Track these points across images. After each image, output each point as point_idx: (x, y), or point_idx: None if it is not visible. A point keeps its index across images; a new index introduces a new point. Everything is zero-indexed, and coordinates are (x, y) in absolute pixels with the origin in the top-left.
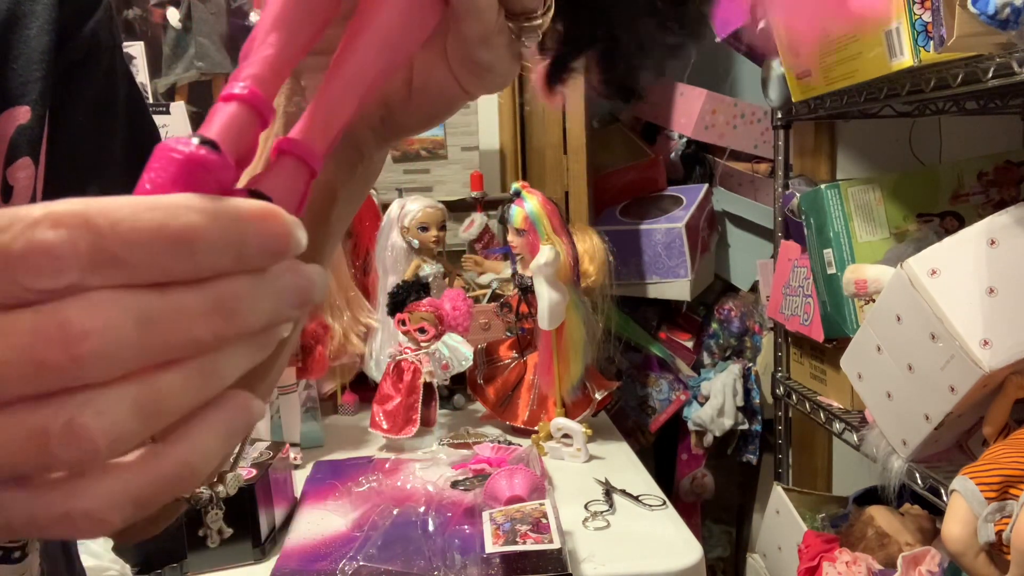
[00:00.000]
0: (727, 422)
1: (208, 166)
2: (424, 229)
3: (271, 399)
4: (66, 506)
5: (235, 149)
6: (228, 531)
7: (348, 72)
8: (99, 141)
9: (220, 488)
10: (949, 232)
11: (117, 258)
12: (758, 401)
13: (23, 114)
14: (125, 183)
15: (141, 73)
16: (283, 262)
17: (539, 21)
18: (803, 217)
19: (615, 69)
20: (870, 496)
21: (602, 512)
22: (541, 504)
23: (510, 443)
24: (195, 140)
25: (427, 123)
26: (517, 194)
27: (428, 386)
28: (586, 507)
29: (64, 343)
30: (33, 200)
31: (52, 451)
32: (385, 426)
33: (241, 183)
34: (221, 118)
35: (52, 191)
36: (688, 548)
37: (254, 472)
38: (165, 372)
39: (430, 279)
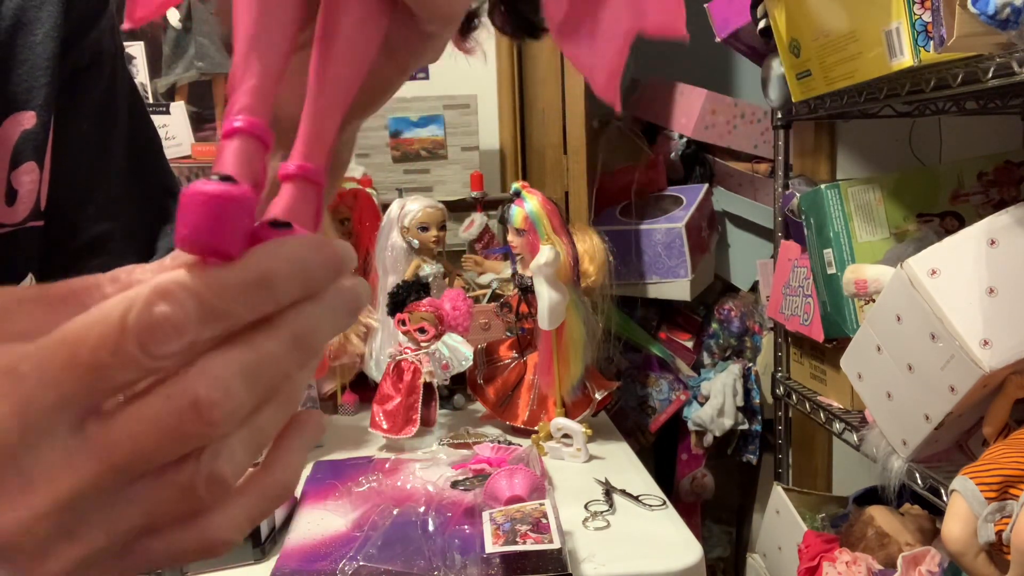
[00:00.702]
0: (727, 422)
1: (238, 200)
2: (424, 229)
3: None
4: (205, 537)
5: (250, 178)
6: (258, 526)
7: (328, 83)
8: (102, 146)
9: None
10: (949, 232)
11: (217, 310)
12: (758, 401)
13: (28, 119)
14: (126, 189)
15: (141, 73)
16: (339, 288)
17: None
18: (803, 217)
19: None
20: (870, 496)
21: (602, 512)
22: (541, 504)
23: (510, 443)
24: (215, 178)
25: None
26: (517, 194)
27: (428, 386)
28: (586, 507)
29: (198, 417)
30: (37, 205)
31: (197, 500)
32: (385, 426)
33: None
34: (230, 154)
35: (56, 195)
36: (688, 548)
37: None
38: (264, 410)
39: (430, 279)
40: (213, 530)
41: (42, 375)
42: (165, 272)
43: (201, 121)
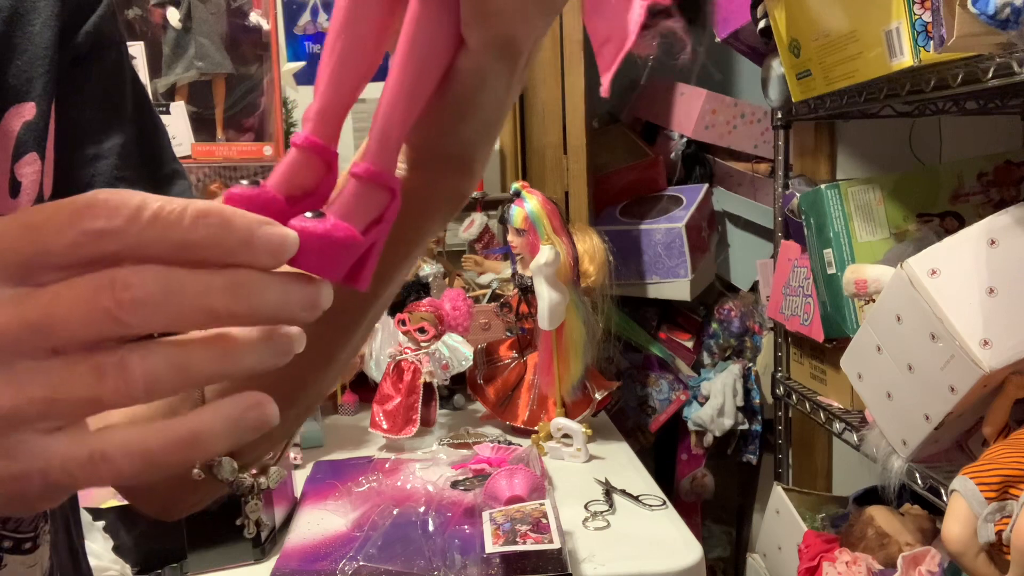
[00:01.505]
0: (727, 422)
1: (248, 198)
2: None
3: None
4: (92, 446)
5: (291, 186)
6: (267, 523)
7: (392, 92)
8: (104, 135)
9: (263, 479)
10: (949, 232)
11: (154, 220)
12: (758, 401)
13: (29, 110)
14: (129, 173)
15: (141, 73)
16: (297, 273)
17: None
18: (803, 217)
19: None
20: (870, 496)
21: (602, 512)
22: (541, 504)
23: (510, 443)
24: (243, 182)
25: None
26: (517, 194)
27: (428, 386)
28: (586, 507)
29: (112, 290)
30: (40, 195)
31: (105, 386)
32: (385, 426)
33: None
34: (282, 163)
35: (58, 185)
36: (688, 548)
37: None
38: (194, 343)
39: (430, 279)
40: (103, 442)
41: None
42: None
43: (201, 121)
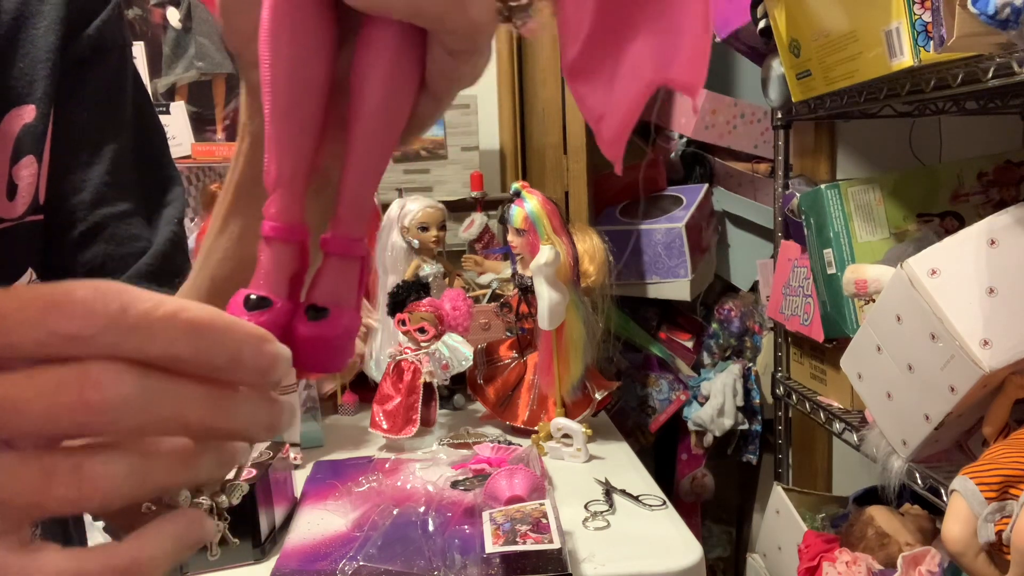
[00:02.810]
0: (727, 422)
1: (264, 325)
2: (424, 229)
3: None
4: (24, 568)
5: (287, 279)
6: (234, 541)
7: (362, 155)
8: (100, 136)
9: (222, 498)
10: (949, 232)
11: (135, 329)
12: (758, 401)
13: (28, 113)
14: (126, 177)
15: (141, 73)
16: (264, 391)
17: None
18: (803, 217)
19: None
20: (870, 496)
21: (602, 512)
22: (541, 504)
23: (510, 443)
24: (253, 298)
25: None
26: (517, 194)
27: (428, 386)
28: (586, 507)
29: (80, 389)
30: (36, 197)
31: (53, 491)
32: (385, 426)
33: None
34: (269, 263)
35: (52, 187)
36: (688, 548)
37: (254, 472)
38: (155, 454)
39: (430, 279)
40: (35, 568)
41: None
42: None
43: (201, 121)
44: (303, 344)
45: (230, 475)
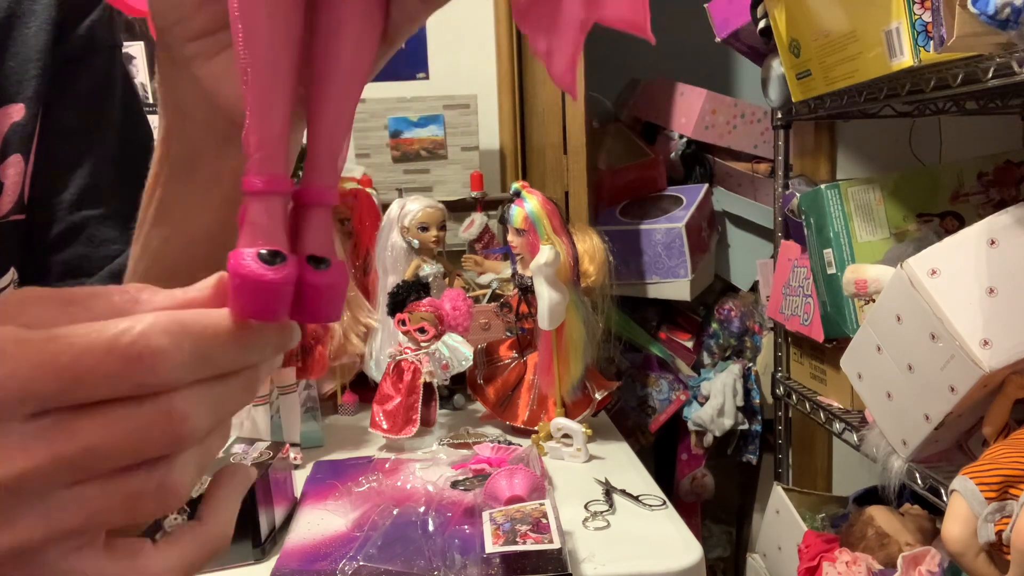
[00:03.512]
0: (727, 422)
1: (286, 284)
2: (424, 229)
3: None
4: (136, 573)
5: (285, 230)
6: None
7: (334, 106)
8: (85, 136)
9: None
10: (949, 232)
11: (209, 357)
12: (758, 401)
13: (17, 112)
14: (110, 178)
15: (141, 73)
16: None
17: None
18: (803, 217)
19: None
20: (870, 496)
21: (602, 512)
22: (541, 504)
23: (510, 443)
24: (264, 254)
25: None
26: (517, 194)
27: (428, 386)
28: (586, 507)
29: (169, 423)
30: (21, 196)
31: (141, 511)
32: (385, 426)
33: None
34: (267, 216)
35: (37, 184)
36: (688, 548)
37: (254, 472)
38: (211, 435)
39: (430, 279)
40: (145, 569)
41: (19, 362)
42: (173, 303)
43: None
44: (314, 294)
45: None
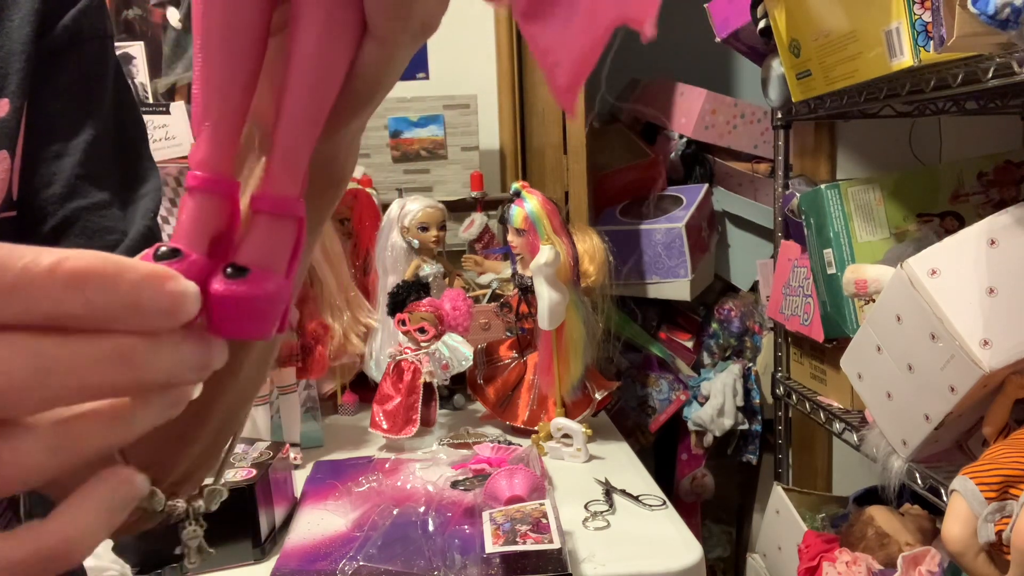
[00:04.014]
0: (727, 422)
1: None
2: (424, 229)
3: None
4: None
5: (208, 234)
6: (209, 551)
7: (294, 104)
8: (74, 131)
9: (199, 503)
10: (949, 232)
11: (15, 290)
12: (758, 401)
13: (2, 107)
14: (100, 169)
15: (141, 73)
16: (187, 329)
17: None
18: (803, 217)
19: None
20: (870, 496)
21: (602, 512)
22: (541, 504)
23: (510, 443)
24: (164, 250)
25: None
26: (517, 194)
27: (428, 386)
28: (586, 507)
29: None
30: (9, 193)
31: None
32: (385, 426)
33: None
34: (188, 215)
35: (25, 180)
36: (688, 548)
37: (254, 472)
38: (76, 419)
39: (430, 279)
40: None
41: None
42: None
43: None
44: (215, 303)
45: (209, 480)
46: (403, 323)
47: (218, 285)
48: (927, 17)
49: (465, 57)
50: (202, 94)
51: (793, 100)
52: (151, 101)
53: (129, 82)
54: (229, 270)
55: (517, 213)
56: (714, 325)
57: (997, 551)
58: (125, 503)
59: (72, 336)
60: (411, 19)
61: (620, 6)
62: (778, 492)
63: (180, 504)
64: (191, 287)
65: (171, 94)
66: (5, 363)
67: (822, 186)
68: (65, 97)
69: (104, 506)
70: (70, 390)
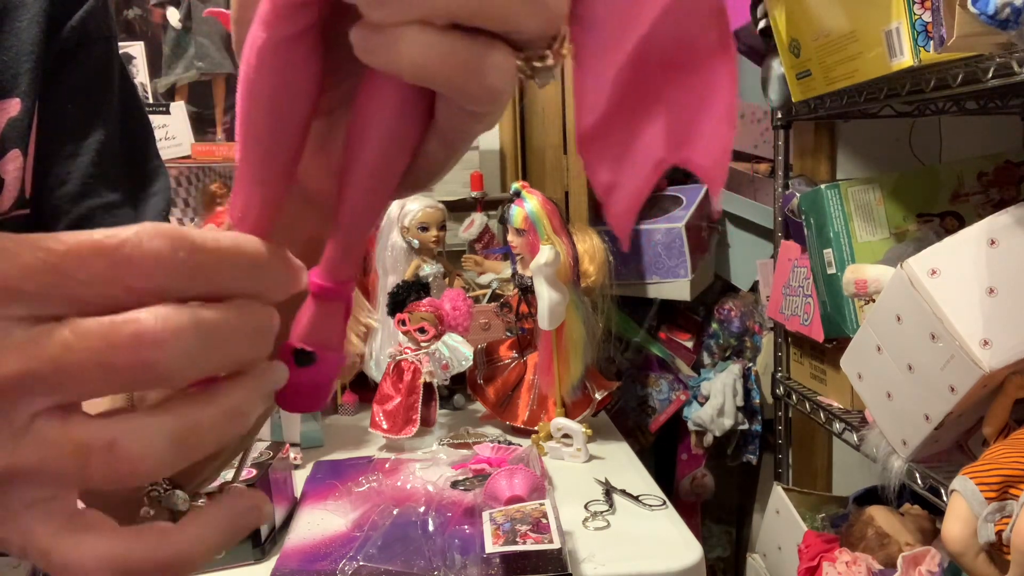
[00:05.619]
0: (727, 422)
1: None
2: (424, 229)
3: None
4: (63, 560)
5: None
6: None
7: (357, 200)
8: (85, 131)
9: (201, 502)
10: (949, 232)
11: (204, 267)
12: (758, 401)
13: (13, 107)
14: (112, 168)
15: (141, 73)
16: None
17: (551, 61)
18: (803, 217)
19: None
20: (870, 496)
21: (602, 512)
22: (541, 504)
23: (510, 443)
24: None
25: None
26: (517, 194)
27: (428, 386)
28: (586, 507)
29: (136, 348)
30: (22, 191)
31: (89, 470)
32: (385, 426)
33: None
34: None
35: (37, 179)
36: (688, 548)
37: (254, 472)
38: (202, 408)
39: (430, 279)
40: (80, 549)
41: (12, 260)
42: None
43: (201, 121)
44: (289, 388)
45: (228, 476)
46: (403, 323)
47: (290, 373)
48: (927, 17)
49: None
50: (243, 192)
51: (793, 100)
52: (151, 101)
53: (133, 80)
54: (298, 357)
55: (517, 213)
56: (714, 325)
57: (997, 551)
58: (249, 527)
59: (222, 307)
60: (479, 130)
61: (675, 148)
62: (778, 492)
63: (202, 505)
64: (302, 267)
65: (171, 94)
66: (173, 337)
67: (822, 186)
68: (75, 98)
69: (232, 526)
70: (223, 358)
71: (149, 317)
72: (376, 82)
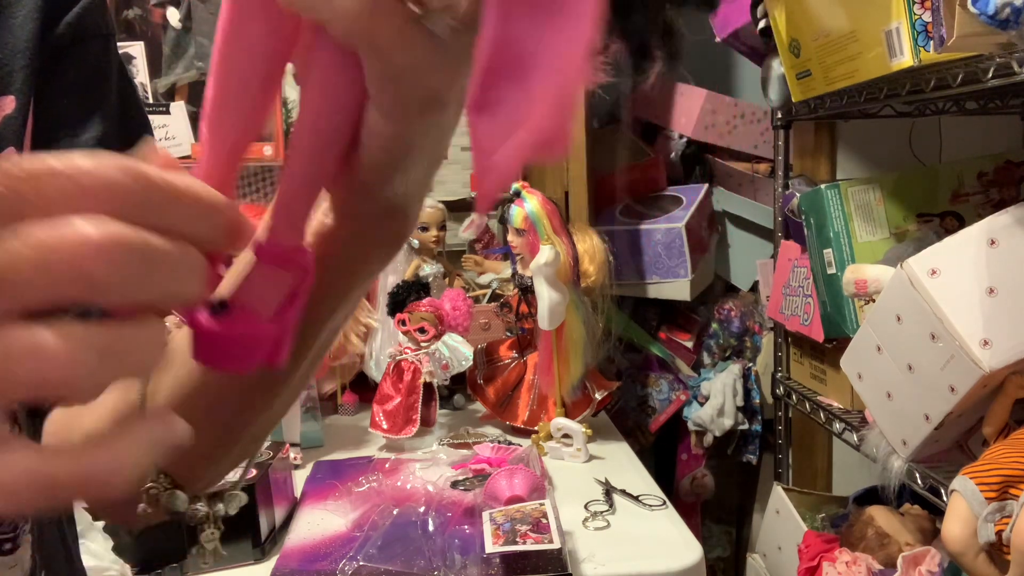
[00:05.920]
0: (727, 422)
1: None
2: (424, 229)
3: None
4: None
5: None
6: (223, 553)
7: (292, 161)
8: (81, 128)
9: (219, 506)
10: (949, 232)
11: (154, 202)
12: (758, 401)
13: (8, 104)
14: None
15: (141, 73)
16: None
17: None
18: (803, 217)
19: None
20: (870, 496)
21: (602, 512)
22: (541, 504)
23: (510, 443)
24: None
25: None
26: (517, 194)
27: (428, 386)
28: (586, 507)
29: (75, 256)
30: None
31: (13, 375)
32: (385, 426)
33: None
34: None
35: None
36: (688, 548)
37: (254, 472)
38: (131, 328)
39: (430, 279)
40: (3, 460)
41: None
42: None
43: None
44: (196, 331)
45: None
46: (403, 323)
47: (200, 316)
48: (927, 17)
49: None
50: (208, 148)
51: (793, 100)
52: (151, 101)
53: (132, 78)
54: (212, 305)
55: (517, 213)
56: (714, 325)
57: (997, 551)
58: (165, 442)
59: (167, 239)
60: (404, 93)
61: (539, 130)
62: (778, 492)
63: (201, 508)
64: (248, 222)
65: (171, 94)
66: (119, 254)
67: (822, 186)
68: (71, 95)
69: (146, 439)
70: (154, 289)
71: (92, 226)
72: (315, 47)
